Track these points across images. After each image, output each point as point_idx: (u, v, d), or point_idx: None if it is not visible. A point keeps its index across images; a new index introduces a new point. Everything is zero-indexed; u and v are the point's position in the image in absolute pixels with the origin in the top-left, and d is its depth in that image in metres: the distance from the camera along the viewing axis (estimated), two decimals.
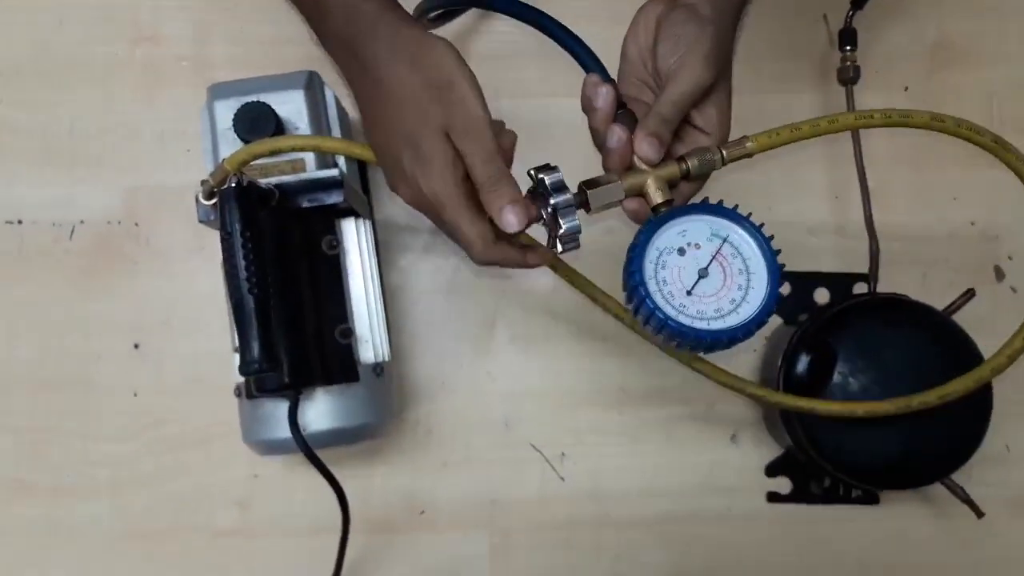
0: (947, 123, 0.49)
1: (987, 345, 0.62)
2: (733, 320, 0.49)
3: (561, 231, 0.48)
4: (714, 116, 0.50)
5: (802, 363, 0.63)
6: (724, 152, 0.50)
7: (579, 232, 0.48)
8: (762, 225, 0.50)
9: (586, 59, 0.51)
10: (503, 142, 0.49)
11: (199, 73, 0.71)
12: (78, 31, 0.72)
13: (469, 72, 0.48)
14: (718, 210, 0.50)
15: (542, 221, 0.49)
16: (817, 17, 0.72)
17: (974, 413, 0.61)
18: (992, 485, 0.67)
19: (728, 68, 0.51)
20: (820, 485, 0.68)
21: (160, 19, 0.72)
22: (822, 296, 0.70)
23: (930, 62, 0.73)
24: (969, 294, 0.65)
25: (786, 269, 0.68)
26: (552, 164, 0.49)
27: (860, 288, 0.69)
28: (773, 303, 0.49)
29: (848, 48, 0.67)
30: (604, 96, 0.49)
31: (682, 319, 0.48)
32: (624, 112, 0.50)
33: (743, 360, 0.69)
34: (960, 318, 0.64)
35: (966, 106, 0.73)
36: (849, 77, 0.67)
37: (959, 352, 0.62)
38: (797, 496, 0.68)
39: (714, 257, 0.49)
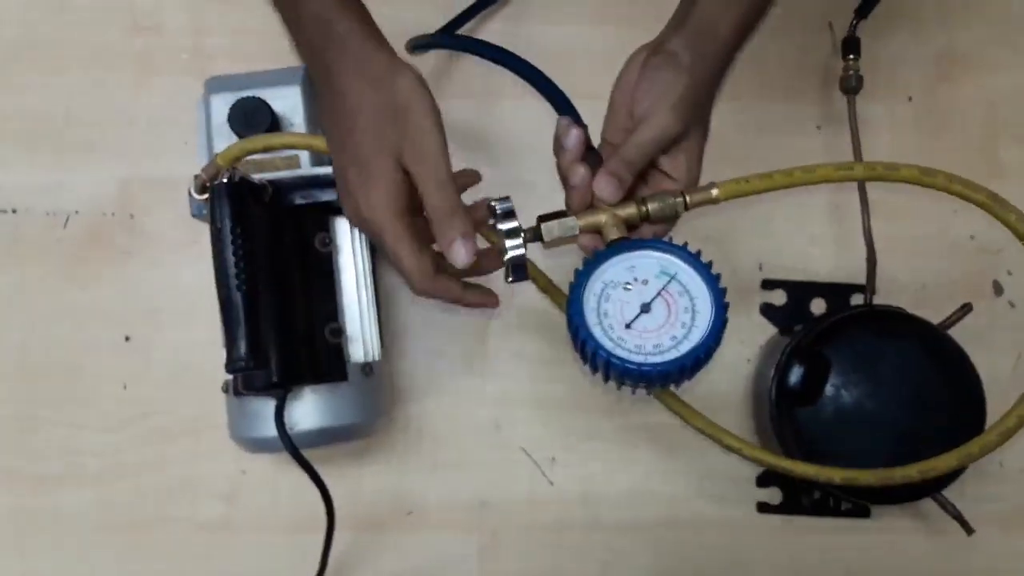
0: (938, 179, 0.47)
1: (984, 361, 0.62)
2: (670, 355, 0.48)
3: (506, 257, 0.49)
4: (682, 163, 0.51)
5: (795, 374, 0.62)
6: (687, 197, 0.50)
7: (524, 263, 0.49)
8: (710, 263, 0.50)
9: (560, 102, 0.52)
10: (462, 179, 0.48)
11: (197, 64, 0.70)
12: (77, 19, 0.71)
13: (431, 101, 0.47)
14: (668, 247, 0.50)
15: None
16: (822, 26, 0.72)
17: (967, 429, 0.61)
18: (984, 500, 0.67)
19: (703, 116, 0.51)
20: (811, 497, 0.68)
21: (159, 9, 0.72)
22: (818, 306, 0.69)
23: (934, 72, 0.72)
24: (966, 308, 0.64)
25: (783, 278, 0.70)
26: (508, 196, 0.49)
27: (857, 299, 0.69)
28: (711, 345, 0.48)
29: (851, 57, 0.67)
30: (573, 138, 0.49)
31: (618, 351, 0.48)
32: (592, 153, 0.51)
33: (737, 370, 0.69)
34: (957, 332, 0.63)
35: (970, 116, 0.72)
36: (852, 86, 0.67)
37: (954, 367, 0.61)
38: (787, 507, 0.68)
39: (659, 293, 0.49)
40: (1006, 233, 0.70)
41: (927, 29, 0.72)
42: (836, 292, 0.69)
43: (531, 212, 0.51)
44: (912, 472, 0.53)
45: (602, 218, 0.50)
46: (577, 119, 0.51)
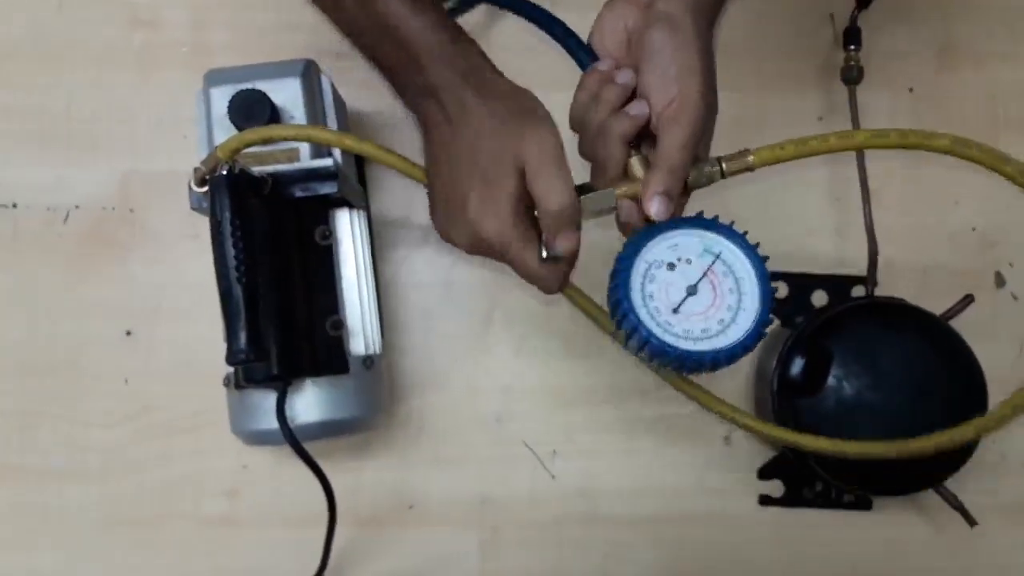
0: (971, 149, 0.45)
1: (985, 352, 0.62)
2: (720, 342, 0.47)
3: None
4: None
5: (797, 365, 0.62)
6: (724, 165, 0.48)
7: None
8: (758, 245, 0.48)
9: (583, 57, 0.50)
10: None
11: (197, 59, 0.70)
12: (76, 14, 0.71)
13: (548, 113, 0.48)
14: (712, 225, 0.49)
15: None
16: (823, 16, 0.71)
17: (969, 420, 0.61)
18: (987, 492, 0.66)
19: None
20: (813, 489, 0.68)
21: (159, 3, 0.72)
22: (820, 298, 0.69)
23: (935, 62, 0.72)
24: (968, 300, 0.64)
25: (784, 270, 0.69)
26: None
27: (858, 291, 0.68)
28: (763, 328, 0.47)
29: (852, 48, 0.67)
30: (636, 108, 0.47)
31: (667, 338, 0.47)
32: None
33: (739, 362, 0.68)
34: (959, 324, 0.63)
35: (971, 107, 0.72)
36: (853, 77, 0.67)
37: (956, 358, 0.61)
38: (789, 500, 0.68)
39: (705, 274, 0.48)
40: (1008, 224, 0.71)
41: (928, 20, 0.72)
42: (838, 284, 0.69)
43: None
44: (929, 444, 0.52)
45: (638, 188, 0.48)
46: (594, 57, 0.49)
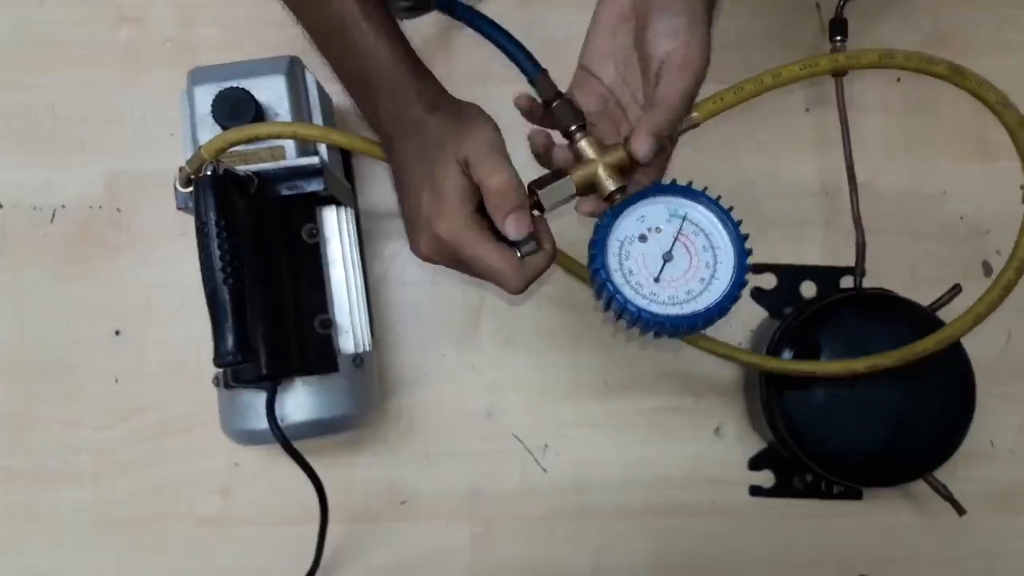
0: (897, 58, 0.48)
1: (973, 341, 0.62)
2: (706, 299, 0.48)
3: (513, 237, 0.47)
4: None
5: (786, 356, 0.62)
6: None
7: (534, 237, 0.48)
8: (719, 197, 0.49)
9: (511, 49, 0.51)
10: None
11: (182, 56, 0.70)
12: (59, 11, 0.71)
13: (489, 116, 0.49)
14: (673, 189, 0.49)
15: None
16: (809, 7, 0.71)
17: (957, 410, 0.61)
18: (976, 481, 0.67)
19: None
20: (803, 480, 0.68)
21: (143, 0, 0.71)
22: (808, 289, 0.69)
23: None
24: (955, 290, 0.64)
25: (773, 262, 0.69)
26: None
27: (847, 282, 0.69)
28: (743, 275, 0.48)
29: (839, 39, 0.67)
30: (523, 99, 0.50)
31: (654, 308, 0.48)
32: (562, 99, 0.49)
33: None
34: (947, 314, 0.63)
35: (959, 98, 0.71)
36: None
37: (943, 349, 0.61)
38: (780, 490, 0.68)
39: (676, 238, 0.48)
40: (995, 213, 0.71)
41: (915, 10, 0.72)
42: (826, 275, 0.69)
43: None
44: (929, 344, 0.55)
45: (595, 169, 0.48)
46: (534, 63, 0.50)
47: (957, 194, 0.70)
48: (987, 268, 0.70)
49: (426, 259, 0.50)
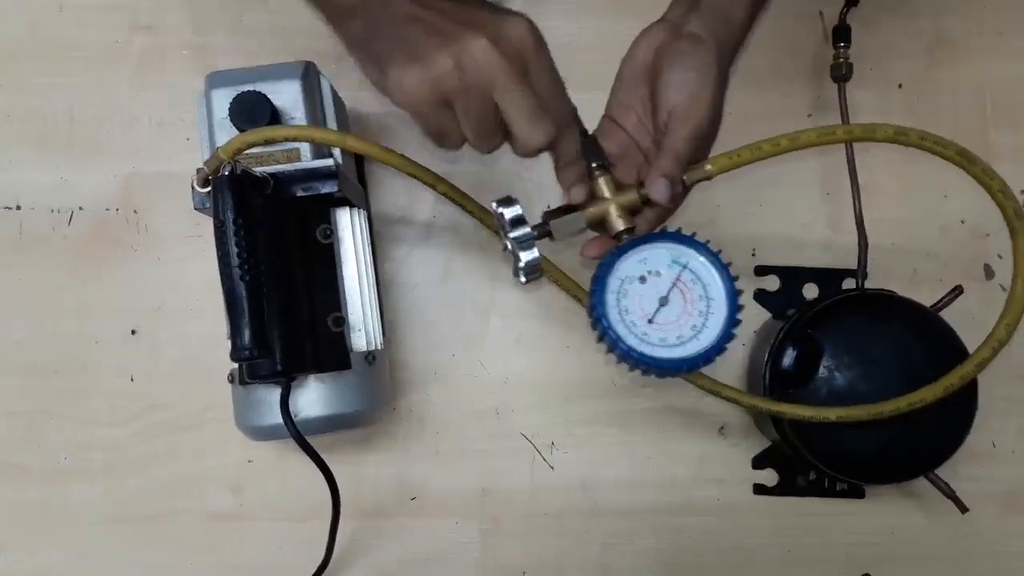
0: (911, 136, 0.50)
1: (974, 343, 0.62)
2: (694, 346, 0.50)
3: (521, 264, 0.50)
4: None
5: (788, 357, 0.63)
6: (684, 176, 0.51)
7: (538, 263, 0.50)
8: (719, 252, 0.52)
9: None
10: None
11: (198, 61, 0.71)
12: (77, 17, 0.72)
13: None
14: (678, 237, 0.52)
15: (505, 248, 0.51)
16: (812, 14, 0.72)
17: (960, 409, 0.62)
18: (978, 480, 0.68)
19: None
20: (806, 478, 0.69)
21: (160, 6, 0.72)
22: (811, 291, 0.70)
23: (925, 59, 0.73)
24: (957, 291, 0.65)
25: (776, 264, 0.70)
26: (512, 197, 0.50)
27: (849, 284, 0.70)
28: (732, 328, 0.50)
29: (842, 45, 0.68)
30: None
31: (643, 347, 0.50)
32: (588, 139, 0.51)
33: (731, 354, 0.69)
34: (948, 315, 0.64)
35: (960, 103, 0.73)
36: (842, 74, 0.67)
37: (946, 349, 0.62)
38: (783, 489, 0.69)
39: (674, 284, 0.51)
40: (997, 216, 0.71)
41: (917, 16, 0.73)
42: (828, 277, 0.70)
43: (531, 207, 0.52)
44: (902, 405, 0.57)
45: (607, 208, 0.51)
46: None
47: (959, 197, 0.71)
48: (988, 271, 0.71)
49: (417, 85, 0.45)
